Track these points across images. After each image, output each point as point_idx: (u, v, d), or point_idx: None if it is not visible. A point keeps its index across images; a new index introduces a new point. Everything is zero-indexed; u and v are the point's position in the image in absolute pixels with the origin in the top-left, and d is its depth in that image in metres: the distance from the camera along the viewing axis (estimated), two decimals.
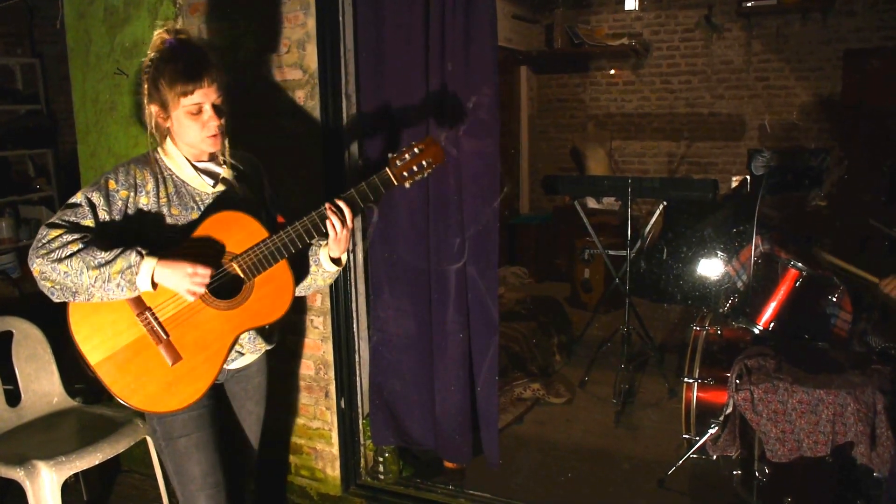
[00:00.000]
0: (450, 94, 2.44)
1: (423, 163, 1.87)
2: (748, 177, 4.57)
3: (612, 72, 6.31)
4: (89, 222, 1.68)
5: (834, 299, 2.90)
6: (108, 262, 1.62)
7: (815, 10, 5.38)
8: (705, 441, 2.86)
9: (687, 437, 3.01)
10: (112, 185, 1.72)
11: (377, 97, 2.55)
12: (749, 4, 5.44)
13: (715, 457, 2.88)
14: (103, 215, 1.70)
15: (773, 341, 2.90)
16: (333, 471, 2.81)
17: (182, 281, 1.66)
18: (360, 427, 2.84)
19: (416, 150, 1.86)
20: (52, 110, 5.66)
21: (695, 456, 2.95)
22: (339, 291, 2.67)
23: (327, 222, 1.82)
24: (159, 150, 1.82)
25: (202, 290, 1.69)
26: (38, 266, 1.62)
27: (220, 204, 1.83)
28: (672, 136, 6.18)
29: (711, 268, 3.46)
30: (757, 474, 2.66)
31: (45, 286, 1.64)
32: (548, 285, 5.91)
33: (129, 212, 1.73)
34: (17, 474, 2.31)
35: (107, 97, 2.85)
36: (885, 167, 4.15)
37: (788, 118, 5.67)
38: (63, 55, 3.03)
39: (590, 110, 6.47)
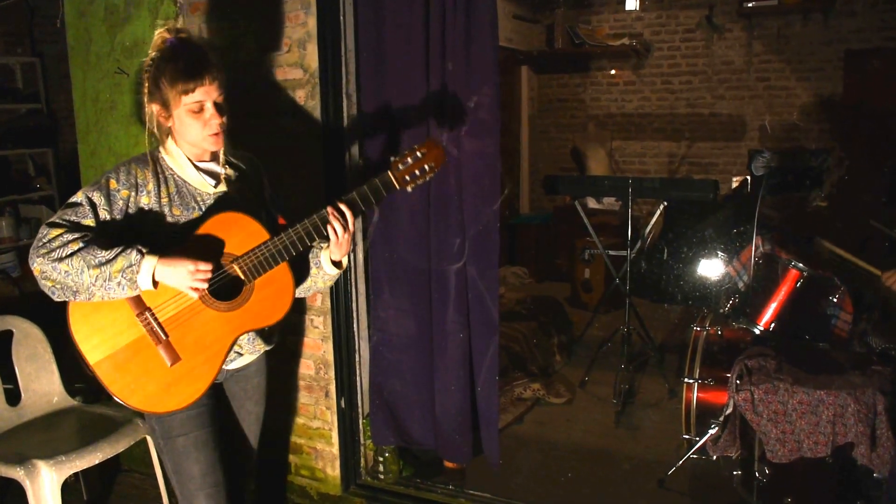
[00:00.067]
0: (450, 93, 2.44)
1: (426, 166, 1.85)
2: (749, 177, 4.57)
3: (613, 72, 6.31)
4: (90, 221, 1.67)
5: (834, 300, 2.90)
6: (108, 261, 1.62)
7: (816, 10, 5.38)
8: (705, 441, 2.86)
9: (687, 437, 3.01)
10: (113, 184, 1.72)
11: (378, 97, 2.55)
12: (750, 5, 5.44)
13: (715, 457, 2.88)
14: (104, 215, 1.69)
15: (774, 342, 2.90)
16: (333, 470, 2.81)
17: (184, 278, 1.66)
18: (361, 427, 2.84)
19: (418, 153, 1.84)
20: (52, 109, 5.66)
21: (695, 456, 2.95)
22: (340, 291, 2.67)
23: (329, 226, 1.82)
24: (161, 149, 1.82)
25: (204, 285, 1.69)
26: (38, 265, 1.62)
27: (221, 204, 1.82)
28: (673, 136, 6.18)
29: (712, 268, 3.46)
30: (757, 475, 2.66)
31: (45, 285, 1.64)
32: (548, 285, 5.91)
33: (130, 211, 1.73)
34: (17, 473, 2.31)
35: (107, 96, 2.85)
36: (886, 168, 4.15)
37: (789, 119, 5.67)
38: (63, 54, 3.03)
39: (590, 110, 6.47)
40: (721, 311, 3.20)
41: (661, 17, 6.01)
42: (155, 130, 1.80)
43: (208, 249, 1.74)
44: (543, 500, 2.87)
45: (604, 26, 6.22)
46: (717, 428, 2.82)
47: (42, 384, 2.75)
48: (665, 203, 3.97)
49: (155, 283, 1.66)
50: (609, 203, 5.80)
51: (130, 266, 1.63)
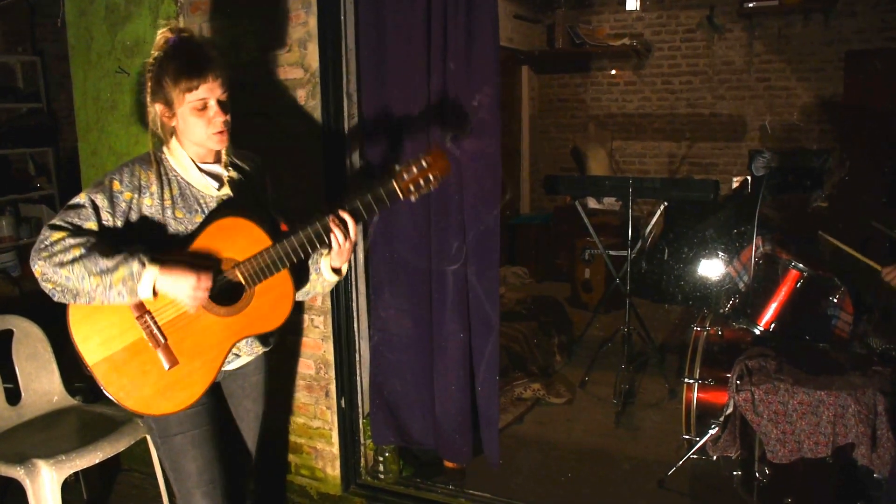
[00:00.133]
0: (451, 93, 2.44)
1: (430, 177, 1.83)
2: (749, 178, 4.57)
3: (614, 72, 6.31)
4: (92, 224, 1.67)
5: (835, 300, 2.90)
6: (110, 270, 1.61)
7: (817, 10, 5.38)
8: (705, 442, 2.86)
9: (687, 437, 3.01)
10: (116, 186, 1.71)
11: (378, 96, 2.55)
12: (751, 5, 5.44)
13: (715, 457, 2.88)
14: (107, 217, 1.69)
15: (774, 342, 2.90)
16: (333, 470, 2.81)
17: (183, 291, 1.66)
18: (361, 426, 2.84)
19: (423, 163, 1.82)
20: (52, 108, 5.66)
21: (695, 456, 2.94)
22: (340, 291, 2.67)
23: (331, 234, 1.82)
24: (164, 149, 1.81)
25: (204, 297, 1.69)
26: (39, 267, 1.62)
27: (224, 208, 1.82)
28: (673, 136, 6.17)
29: (712, 268, 3.46)
30: (757, 475, 2.66)
31: (46, 287, 1.64)
32: (548, 285, 5.91)
33: (133, 214, 1.73)
34: (18, 473, 2.31)
35: (108, 95, 2.85)
36: (886, 168, 4.15)
37: (790, 119, 5.67)
38: (64, 53, 3.03)
39: (591, 110, 6.47)
40: (721, 311, 3.20)
41: (662, 17, 6.01)
42: (158, 131, 1.79)
43: (209, 254, 1.74)
44: (543, 500, 2.87)
45: (604, 26, 6.22)
46: (717, 428, 2.82)
47: (42, 383, 2.75)
48: (665, 203, 3.97)
49: (155, 293, 1.67)
50: (609, 203, 5.80)
51: (131, 276, 1.63)
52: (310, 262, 1.96)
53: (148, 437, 2.56)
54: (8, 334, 2.69)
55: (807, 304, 2.91)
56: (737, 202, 5.13)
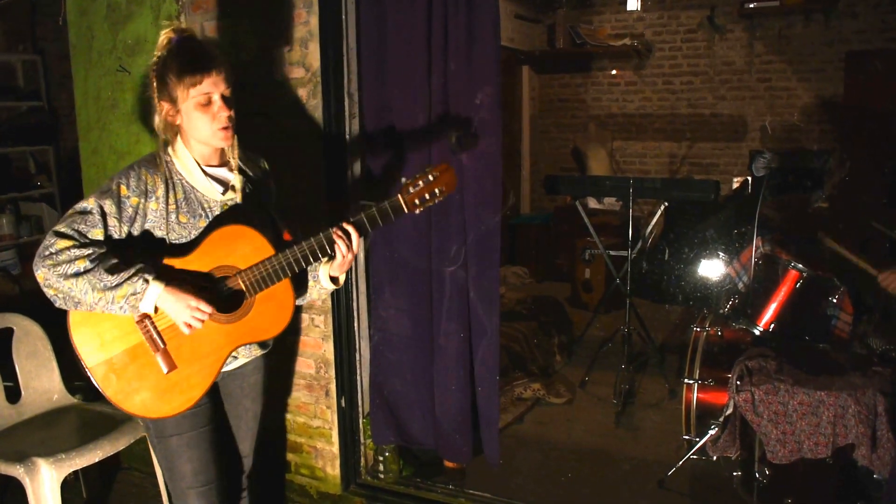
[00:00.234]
0: (452, 93, 2.44)
1: (436, 190, 1.84)
2: (749, 178, 4.57)
3: (614, 72, 6.30)
4: (98, 232, 1.67)
5: (834, 301, 2.90)
6: (114, 287, 1.62)
7: (818, 11, 5.37)
8: (705, 442, 2.86)
9: (687, 437, 3.00)
10: (124, 190, 1.71)
11: (379, 96, 2.55)
12: (751, 5, 5.44)
13: (715, 458, 2.88)
14: (113, 223, 1.69)
15: (774, 342, 2.90)
16: (333, 469, 2.81)
17: (182, 313, 1.67)
18: (361, 426, 2.84)
19: (430, 176, 1.83)
20: (53, 107, 5.66)
21: (695, 457, 2.94)
22: (341, 291, 2.66)
23: (334, 245, 1.82)
24: (169, 150, 1.81)
25: (199, 325, 1.70)
26: (42, 274, 1.62)
27: (228, 214, 1.82)
28: (673, 136, 6.17)
29: (712, 269, 3.46)
30: (757, 475, 2.66)
31: (48, 293, 1.64)
32: (548, 285, 5.91)
33: (139, 218, 1.72)
34: (17, 471, 2.31)
35: (109, 94, 2.85)
36: (887, 169, 4.14)
37: (790, 119, 5.67)
38: (65, 52, 3.03)
39: (591, 110, 6.47)
40: (721, 311, 3.20)
41: (663, 17, 6.01)
42: (164, 132, 1.79)
43: (212, 262, 1.75)
44: (543, 500, 2.87)
45: (605, 26, 6.22)
46: (717, 428, 2.82)
47: (42, 382, 2.75)
48: (666, 203, 3.97)
49: (156, 308, 1.68)
50: (610, 203, 5.80)
51: (135, 294, 1.64)
52: (308, 269, 1.96)
53: (147, 436, 2.56)
54: (8, 332, 2.69)
55: (806, 305, 2.91)
56: (737, 202, 5.13)
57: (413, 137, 2.50)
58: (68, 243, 1.62)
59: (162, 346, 1.74)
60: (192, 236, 1.77)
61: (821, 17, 5.40)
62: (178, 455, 1.87)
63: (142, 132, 2.80)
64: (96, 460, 2.42)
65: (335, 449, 2.79)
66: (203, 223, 1.79)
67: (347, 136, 2.59)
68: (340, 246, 1.81)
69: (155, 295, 1.65)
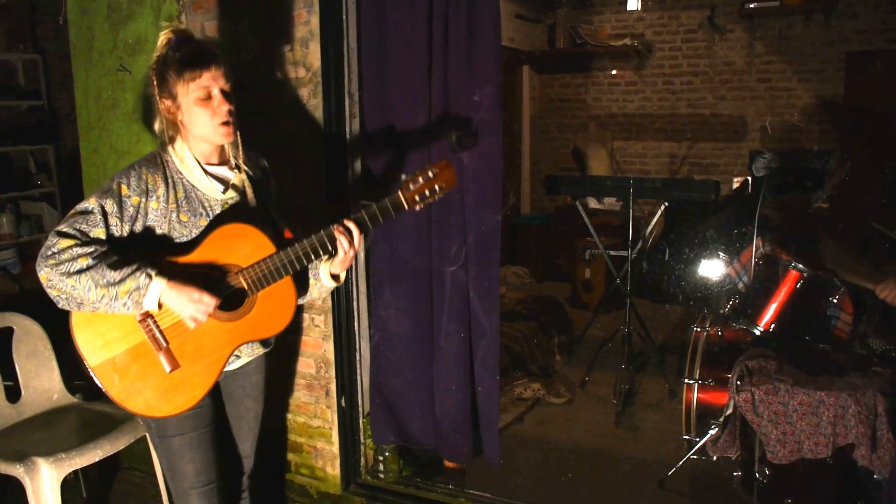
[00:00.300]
0: (452, 93, 2.44)
1: (436, 187, 1.85)
2: (749, 178, 4.57)
3: (615, 72, 6.30)
4: (100, 231, 1.66)
5: (835, 301, 2.90)
6: (116, 283, 1.62)
7: (818, 11, 5.38)
8: (705, 442, 2.86)
9: (687, 438, 3.00)
10: (124, 190, 1.71)
11: (380, 96, 2.54)
12: (752, 6, 5.44)
13: (715, 458, 2.88)
14: (115, 223, 1.69)
15: (774, 343, 2.90)
16: (333, 469, 2.81)
17: (187, 306, 1.67)
18: (361, 426, 2.84)
19: (430, 173, 1.84)
20: (53, 106, 5.66)
21: (695, 457, 2.95)
22: (341, 290, 2.67)
23: (336, 242, 1.82)
24: (170, 150, 1.81)
25: (204, 318, 1.70)
26: (45, 274, 1.61)
27: (229, 212, 1.82)
28: (674, 136, 6.17)
29: (712, 269, 3.46)
30: (757, 476, 2.66)
31: (51, 293, 1.63)
32: (548, 285, 5.91)
33: (140, 217, 1.73)
34: (17, 471, 2.31)
35: (109, 94, 2.85)
36: (887, 169, 4.14)
37: (790, 120, 5.67)
38: (65, 51, 3.03)
39: (592, 110, 6.47)
40: (721, 311, 3.20)
41: (663, 17, 6.01)
42: (166, 130, 1.79)
43: (214, 260, 1.75)
44: (543, 500, 2.87)
45: (605, 26, 6.22)
46: (717, 429, 2.82)
47: (42, 381, 2.75)
48: (666, 203, 3.97)
49: (160, 305, 1.67)
50: (610, 203, 5.80)
51: (138, 289, 1.63)
52: (309, 267, 1.97)
53: (147, 436, 2.56)
54: (8, 332, 2.69)
55: (807, 305, 2.91)
56: (737, 203, 5.13)
57: (413, 137, 2.50)
58: (70, 242, 1.62)
59: (164, 344, 1.74)
60: (194, 235, 1.77)
61: (821, 17, 5.40)
62: (180, 455, 1.87)
63: (142, 132, 2.80)
64: (96, 460, 2.42)
65: (335, 449, 2.79)
66: (204, 222, 1.79)
67: (348, 136, 2.59)
68: (342, 242, 1.82)
69: (158, 290, 1.65)
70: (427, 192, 1.85)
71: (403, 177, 1.86)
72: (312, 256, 1.80)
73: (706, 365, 2.99)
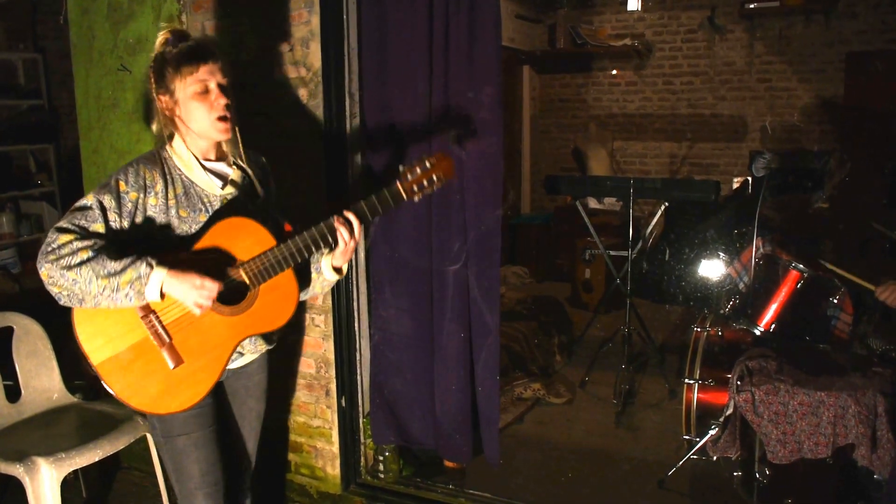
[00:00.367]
0: (453, 93, 2.44)
1: (434, 177, 1.85)
2: (750, 178, 4.57)
3: (615, 72, 6.31)
4: (99, 226, 1.67)
5: (835, 301, 2.90)
6: (117, 272, 1.62)
7: (818, 11, 5.38)
8: (705, 442, 2.86)
9: (687, 438, 3.01)
10: (122, 186, 1.71)
11: (380, 96, 2.54)
12: (752, 6, 5.44)
13: (715, 458, 2.88)
14: (113, 218, 1.69)
15: (775, 343, 2.90)
16: (333, 469, 2.81)
17: (190, 293, 1.66)
18: (361, 426, 2.84)
19: (427, 164, 1.84)
20: (54, 106, 5.66)
21: (695, 457, 2.95)
22: (341, 290, 2.67)
23: (336, 234, 1.82)
24: (168, 147, 1.81)
25: (209, 303, 1.69)
26: (46, 270, 1.61)
27: (228, 207, 1.83)
28: (674, 136, 6.18)
29: (713, 269, 3.46)
30: (757, 476, 2.66)
31: (52, 291, 1.63)
32: (548, 285, 5.91)
33: (138, 213, 1.73)
34: (17, 470, 2.31)
35: (109, 93, 2.85)
36: (887, 169, 4.15)
37: (790, 120, 5.67)
38: (66, 51, 3.03)
39: (592, 110, 6.47)
40: (722, 311, 3.20)
41: (663, 17, 6.01)
42: (164, 127, 1.80)
43: (214, 254, 1.75)
44: (543, 500, 2.87)
45: (606, 27, 6.22)
46: (717, 429, 2.82)
47: (42, 381, 2.75)
48: (666, 204, 3.97)
49: (162, 295, 1.67)
50: (610, 203, 5.80)
51: (139, 278, 1.63)
52: (311, 261, 1.97)
53: (148, 436, 2.56)
54: (8, 331, 2.68)
55: (807, 305, 2.91)
56: (737, 203, 5.13)
57: (414, 137, 2.50)
58: (70, 237, 1.62)
59: (168, 340, 1.73)
60: (194, 230, 1.78)
61: (821, 17, 5.40)
62: (185, 455, 1.87)
63: (142, 131, 2.80)
64: (96, 459, 2.42)
65: (335, 449, 2.79)
66: (203, 217, 1.79)
67: (348, 136, 2.59)
68: (342, 233, 1.82)
69: (160, 279, 1.64)
70: (425, 182, 1.85)
71: (401, 168, 1.85)
72: (313, 248, 1.80)
73: (706, 365, 2.99)
